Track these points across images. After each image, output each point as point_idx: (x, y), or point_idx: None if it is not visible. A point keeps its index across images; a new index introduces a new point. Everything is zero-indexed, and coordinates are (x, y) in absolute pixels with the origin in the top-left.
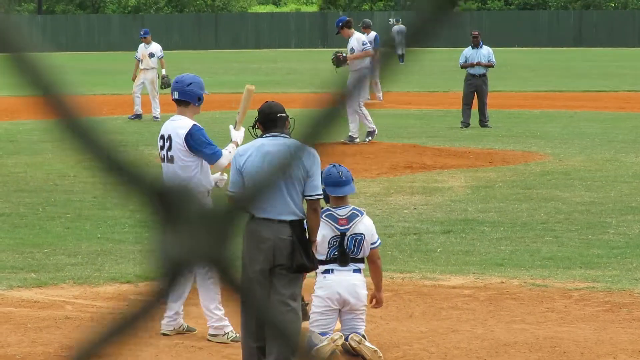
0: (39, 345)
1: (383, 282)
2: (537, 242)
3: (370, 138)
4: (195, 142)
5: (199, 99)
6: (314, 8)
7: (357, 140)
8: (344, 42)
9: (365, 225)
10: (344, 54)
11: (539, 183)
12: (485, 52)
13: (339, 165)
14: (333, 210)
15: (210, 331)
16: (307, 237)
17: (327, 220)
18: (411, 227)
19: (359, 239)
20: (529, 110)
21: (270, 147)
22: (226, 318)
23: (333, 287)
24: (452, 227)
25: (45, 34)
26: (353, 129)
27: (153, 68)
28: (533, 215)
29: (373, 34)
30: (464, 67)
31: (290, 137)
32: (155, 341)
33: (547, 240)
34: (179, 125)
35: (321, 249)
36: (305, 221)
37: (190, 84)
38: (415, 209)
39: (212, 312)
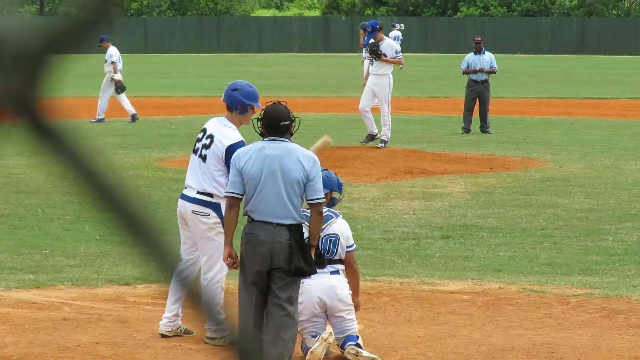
0: (36, 346)
1: (381, 286)
2: (535, 248)
3: (381, 145)
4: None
5: (241, 107)
6: (316, 12)
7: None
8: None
9: (339, 226)
10: (382, 51)
11: (538, 189)
12: (488, 58)
13: (329, 171)
14: (307, 211)
15: (208, 334)
16: (306, 241)
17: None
18: (410, 232)
19: (333, 239)
20: (530, 117)
21: (270, 151)
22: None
23: (312, 291)
24: (451, 233)
25: None
26: (385, 132)
27: (109, 72)
28: (532, 222)
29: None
30: (466, 72)
31: (291, 141)
32: (153, 343)
33: (546, 246)
34: (227, 133)
35: None
36: (303, 225)
37: (236, 89)
38: (414, 214)
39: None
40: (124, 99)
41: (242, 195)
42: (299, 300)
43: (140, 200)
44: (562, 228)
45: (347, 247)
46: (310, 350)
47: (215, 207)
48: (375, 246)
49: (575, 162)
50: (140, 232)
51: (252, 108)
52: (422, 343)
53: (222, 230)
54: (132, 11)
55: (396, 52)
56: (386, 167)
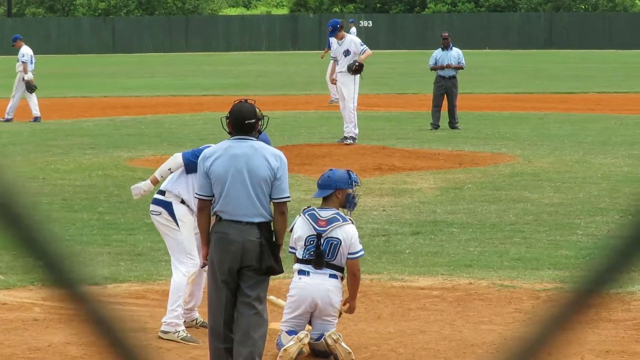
0: (7, 347)
1: None
2: (505, 243)
3: (350, 142)
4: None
5: None
6: (284, 11)
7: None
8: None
9: (344, 232)
10: (358, 62)
11: (508, 184)
12: (455, 54)
13: (334, 170)
14: (317, 210)
15: (163, 327)
16: (275, 240)
17: (307, 219)
18: (380, 228)
19: (334, 243)
20: (499, 112)
21: (237, 150)
22: (183, 318)
23: (307, 290)
24: (421, 229)
25: None
26: (351, 129)
27: (19, 71)
28: (502, 217)
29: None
30: (433, 69)
31: (257, 140)
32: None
33: (516, 241)
34: None
35: (298, 247)
36: (272, 224)
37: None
38: (384, 210)
39: (174, 308)
40: (32, 99)
41: (211, 197)
42: (291, 294)
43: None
44: (532, 223)
45: (351, 253)
46: (284, 348)
47: (166, 206)
48: None
49: (544, 156)
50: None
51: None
52: (393, 339)
53: (175, 228)
54: (99, 11)
55: (360, 45)
56: (355, 164)
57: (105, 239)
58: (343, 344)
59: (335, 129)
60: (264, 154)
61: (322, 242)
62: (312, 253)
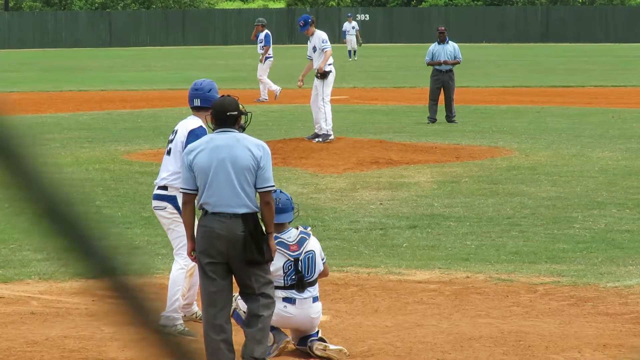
0: (4, 340)
1: (348, 277)
2: (502, 236)
3: (319, 140)
4: (191, 141)
5: None
6: (281, 4)
7: (332, 137)
8: (308, 39)
9: (313, 244)
10: (318, 72)
11: (505, 178)
12: (451, 48)
13: (282, 192)
14: (281, 237)
15: (161, 321)
16: (262, 229)
17: (278, 248)
18: (377, 222)
19: (311, 256)
20: (496, 106)
21: (219, 141)
22: (181, 312)
23: (292, 319)
24: (418, 222)
25: (11, 30)
26: (323, 126)
27: None
28: (499, 210)
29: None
30: (430, 64)
31: (241, 132)
32: (121, 336)
33: (513, 235)
34: (191, 122)
35: (277, 277)
36: (258, 214)
37: (210, 89)
38: (381, 204)
39: (172, 302)
40: None
41: (195, 190)
42: (274, 318)
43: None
44: (529, 216)
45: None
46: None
47: (171, 200)
48: (342, 237)
49: (541, 150)
50: (74, 231)
51: None
52: (390, 333)
53: (180, 220)
54: (96, 5)
55: (322, 42)
56: (352, 157)
57: (102, 233)
58: (331, 346)
59: (333, 123)
60: (246, 144)
61: (300, 264)
62: (293, 277)
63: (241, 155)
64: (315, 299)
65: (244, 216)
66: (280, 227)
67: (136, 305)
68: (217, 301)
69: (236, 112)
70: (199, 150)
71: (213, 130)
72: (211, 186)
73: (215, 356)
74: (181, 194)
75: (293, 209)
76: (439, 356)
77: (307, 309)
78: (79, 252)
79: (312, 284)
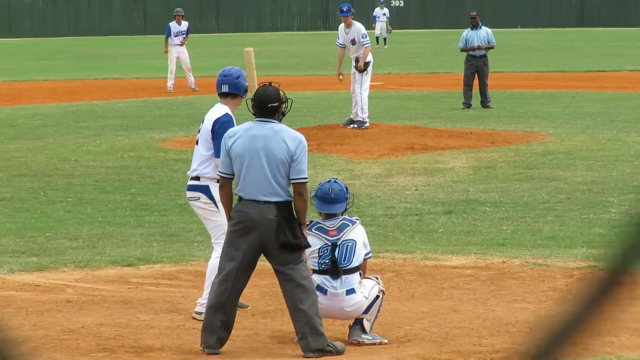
0: (40, 328)
1: (384, 262)
2: (538, 221)
3: (354, 126)
4: (218, 129)
5: (246, 91)
6: None
7: (367, 124)
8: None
9: (356, 233)
10: (356, 66)
11: (540, 163)
12: (484, 34)
13: (336, 182)
14: (322, 222)
15: (197, 308)
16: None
17: (316, 233)
18: (413, 207)
19: (350, 245)
20: (531, 91)
21: (257, 131)
22: None
23: (324, 310)
24: (454, 208)
25: (46, 19)
26: (359, 113)
27: None
28: (535, 195)
29: None
30: (464, 50)
31: (280, 123)
32: (157, 323)
33: (549, 219)
34: (217, 110)
35: (311, 259)
36: (292, 203)
37: (239, 76)
38: (416, 189)
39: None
40: None
41: (232, 175)
42: None
43: None
44: (565, 201)
45: (365, 254)
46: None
47: (203, 189)
48: (377, 222)
49: (576, 135)
50: None
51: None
52: (426, 318)
53: (215, 209)
54: None
55: (362, 37)
56: (387, 143)
57: (137, 220)
58: (366, 339)
59: (368, 110)
60: (282, 136)
61: (337, 250)
62: (327, 262)
63: (276, 148)
64: (349, 291)
65: (277, 204)
66: (329, 216)
67: None
68: (233, 281)
69: (277, 103)
70: (237, 137)
71: (254, 115)
72: (247, 175)
73: (208, 330)
74: (214, 183)
75: (347, 199)
76: (475, 341)
77: (339, 302)
78: None
79: (348, 272)
